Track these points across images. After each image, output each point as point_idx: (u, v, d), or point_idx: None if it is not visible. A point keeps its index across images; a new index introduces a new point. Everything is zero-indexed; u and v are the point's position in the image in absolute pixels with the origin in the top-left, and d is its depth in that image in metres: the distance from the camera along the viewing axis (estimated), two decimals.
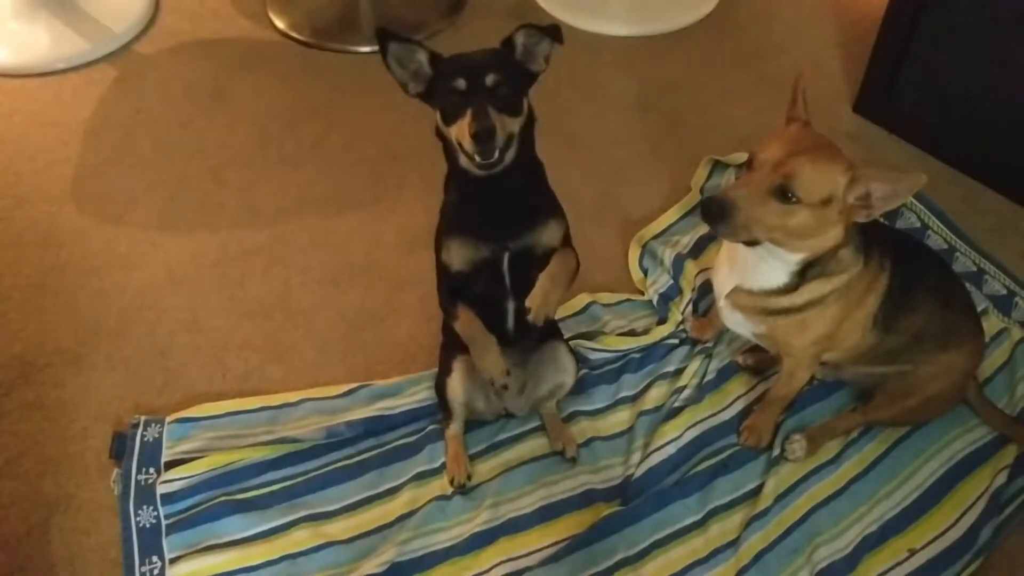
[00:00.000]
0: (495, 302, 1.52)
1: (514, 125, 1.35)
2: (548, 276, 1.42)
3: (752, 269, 1.48)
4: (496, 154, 1.32)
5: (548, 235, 1.48)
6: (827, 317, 1.49)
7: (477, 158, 1.32)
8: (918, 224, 2.08)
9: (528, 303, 1.40)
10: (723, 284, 1.55)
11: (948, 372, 1.62)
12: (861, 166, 1.33)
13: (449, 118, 1.35)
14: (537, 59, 1.40)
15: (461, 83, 1.33)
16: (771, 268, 1.44)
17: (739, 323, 1.58)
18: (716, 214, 1.31)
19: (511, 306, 1.53)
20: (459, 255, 1.46)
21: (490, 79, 1.32)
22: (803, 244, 1.38)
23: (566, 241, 1.51)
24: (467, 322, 1.49)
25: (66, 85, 2.41)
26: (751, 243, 1.37)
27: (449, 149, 1.41)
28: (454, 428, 1.67)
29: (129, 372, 1.79)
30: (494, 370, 1.49)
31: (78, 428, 1.70)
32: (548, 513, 1.61)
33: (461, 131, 1.32)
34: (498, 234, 1.45)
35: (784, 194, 1.29)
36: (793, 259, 1.41)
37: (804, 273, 1.43)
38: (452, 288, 1.50)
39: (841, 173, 1.31)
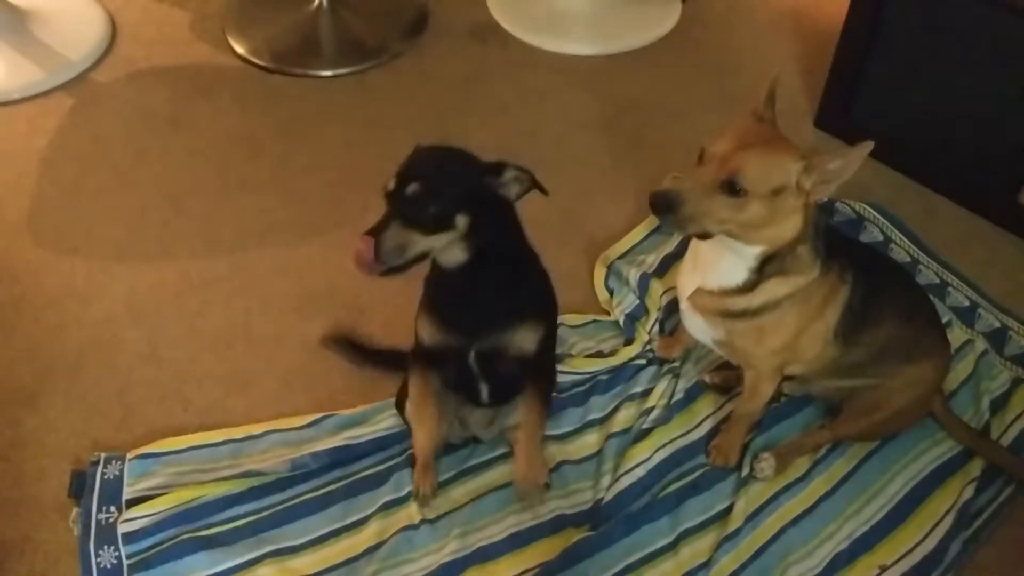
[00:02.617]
0: (468, 380, 1.50)
1: (427, 243, 1.27)
2: (526, 438, 1.43)
3: (712, 267, 1.47)
4: (391, 266, 1.27)
5: (520, 340, 1.42)
6: (784, 325, 1.48)
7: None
8: (881, 237, 2.09)
9: (514, 470, 1.42)
10: (685, 286, 1.56)
11: (914, 385, 1.62)
12: (810, 153, 1.33)
13: None
14: (511, 192, 1.34)
15: (391, 184, 1.27)
16: (730, 264, 1.44)
17: (700, 328, 1.57)
18: (663, 207, 1.31)
19: (484, 388, 1.51)
20: (426, 332, 1.43)
21: (410, 189, 1.25)
22: (760, 235, 1.37)
23: (543, 347, 1.45)
24: (415, 398, 1.48)
25: (21, 115, 2.37)
26: (703, 236, 1.38)
27: None
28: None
29: (87, 408, 1.75)
30: (419, 478, 1.53)
31: (35, 468, 1.66)
32: (518, 540, 1.59)
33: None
34: (463, 328, 1.40)
35: (732, 188, 1.30)
36: (751, 253, 1.41)
37: (762, 270, 1.43)
38: (421, 352, 1.46)
39: (792, 162, 1.31)
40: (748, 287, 1.45)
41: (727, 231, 1.36)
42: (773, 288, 1.45)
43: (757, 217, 1.33)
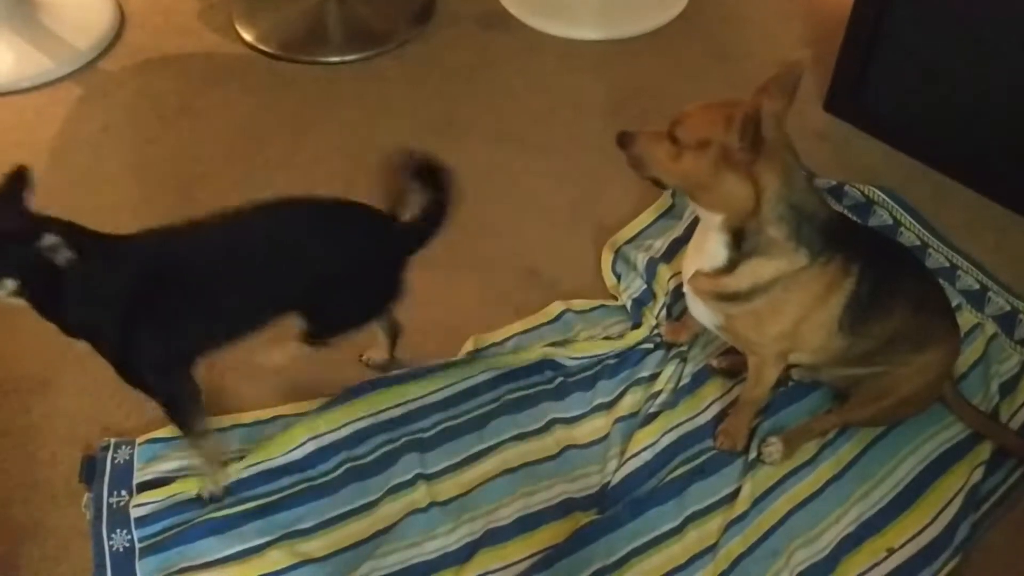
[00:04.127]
0: None
1: None
2: None
3: (701, 246, 1.52)
4: None
5: None
6: (781, 312, 1.49)
7: None
8: (890, 221, 2.08)
9: None
10: (687, 270, 1.58)
11: (924, 372, 1.62)
12: (737, 108, 1.34)
13: None
14: (57, 259, 1.34)
15: None
16: (710, 241, 1.48)
17: (702, 313, 1.59)
18: (621, 142, 1.49)
19: None
20: None
21: None
22: (707, 197, 1.44)
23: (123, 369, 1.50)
24: None
25: (29, 104, 2.38)
26: (658, 184, 1.51)
27: None
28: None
29: (97, 395, 1.76)
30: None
31: (47, 454, 1.68)
32: (526, 524, 1.60)
33: None
34: None
35: (672, 136, 1.40)
36: (716, 223, 1.45)
37: (739, 247, 1.45)
38: None
39: (722, 118, 1.35)
40: (731, 266, 1.48)
41: (677, 184, 1.50)
42: (755, 269, 1.46)
43: (691, 168, 1.41)
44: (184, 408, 1.57)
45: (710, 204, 1.45)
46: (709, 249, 1.49)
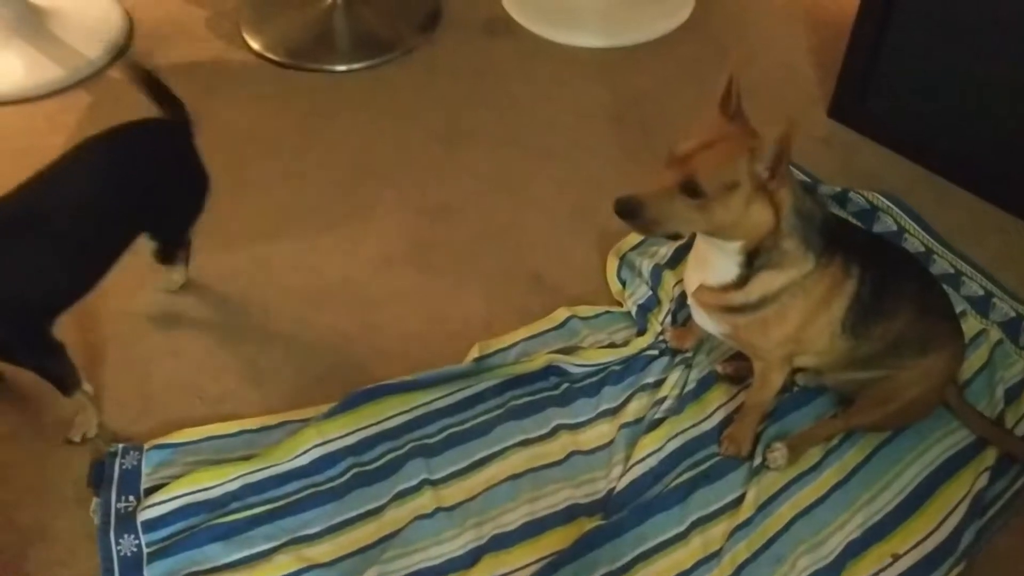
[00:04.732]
0: None
1: None
2: None
3: (707, 264, 1.49)
4: None
5: None
6: (786, 317, 1.49)
7: None
8: (895, 227, 2.09)
9: None
10: (690, 283, 1.57)
11: (928, 377, 1.62)
12: (755, 141, 1.33)
13: None
14: None
15: None
16: (720, 261, 1.45)
17: (707, 322, 1.59)
18: (626, 212, 1.36)
19: None
20: None
21: None
22: (733, 231, 1.39)
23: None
24: None
25: (40, 112, 2.40)
26: (675, 237, 1.42)
27: None
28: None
29: (106, 400, 1.78)
30: None
31: (56, 458, 1.69)
32: (531, 529, 1.61)
33: None
34: None
35: (691, 190, 1.32)
36: (733, 248, 1.42)
37: (751, 264, 1.44)
38: None
39: (739, 154, 1.31)
40: (741, 282, 1.46)
41: (701, 230, 1.38)
42: (767, 281, 1.45)
43: (722, 214, 1.35)
44: (61, 366, 1.65)
45: (733, 236, 1.40)
46: (717, 267, 1.47)
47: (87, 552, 1.55)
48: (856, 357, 1.57)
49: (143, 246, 1.80)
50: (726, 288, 1.48)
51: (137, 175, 1.67)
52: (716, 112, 1.39)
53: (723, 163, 1.32)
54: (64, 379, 1.67)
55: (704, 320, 1.59)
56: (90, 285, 1.65)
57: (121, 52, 2.59)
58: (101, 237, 1.65)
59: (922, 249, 2.04)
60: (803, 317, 1.49)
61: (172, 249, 1.87)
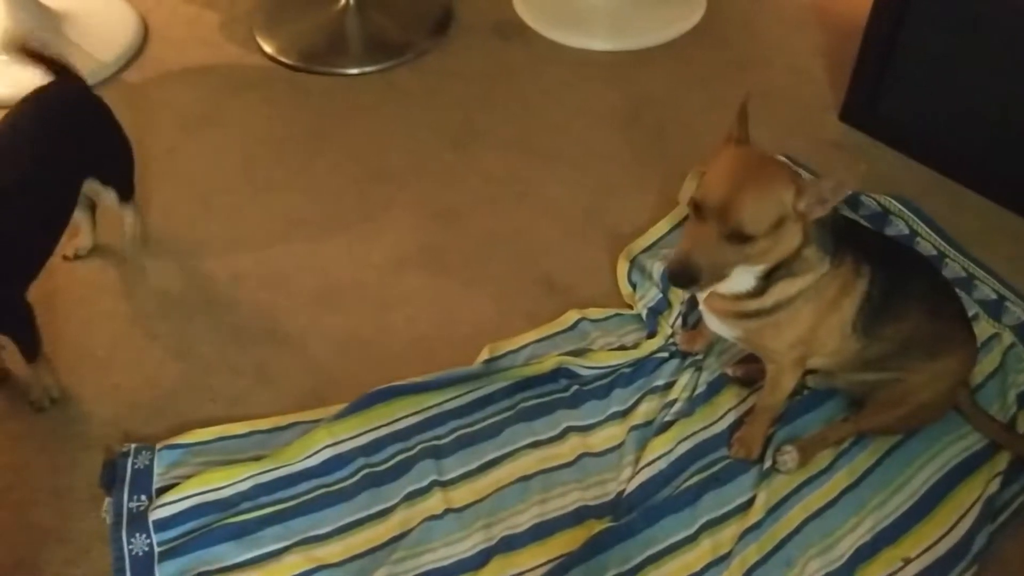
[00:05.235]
0: None
1: None
2: None
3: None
4: None
5: None
6: (799, 320, 1.49)
7: None
8: (907, 231, 2.08)
9: None
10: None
11: (939, 380, 1.62)
12: (799, 179, 1.35)
13: None
14: None
15: None
16: (738, 275, 1.45)
17: (718, 327, 1.59)
18: (686, 282, 1.37)
19: None
20: None
21: None
22: (767, 259, 1.41)
23: None
24: None
25: None
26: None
27: None
28: None
29: (118, 400, 1.79)
30: None
31: (68, 459, 1.70)
32: (541, 531, 1.61)
33: None
34: None
35: (738, 237, 1.33)
36: (757, 268, 1.43)
37: (770, 276, 1.44)
38: None
39: (784, 192, 1.33)
40: (758, 292, 1.47)
41: (747, 264, 1.41)
42: (784, 288, 1.46)
43: (770, 250, 1.38)
44: (34, 330, 1.71)
45: (765, 262, 1.42)
46: (733, 280, 1.45)
47: (100, 552, 1.56)
48: (867, 358, 1.57)
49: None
50: (740, 297, 1.49)
51: (65, 123, 1.78)
52: (726, 144, 1.40)
53: (765, 206, 1.33)
54: (36, 345, 1.72)
55: (716, 324, 1.59)
56: (55, 240, 1.74)
57: (136, 56, 2.61)
58: (52, 190, 1.73)
59: (934, 253, 2.04)
60: (815, 318, 1.49)
61: (124, 191, 1.95)
